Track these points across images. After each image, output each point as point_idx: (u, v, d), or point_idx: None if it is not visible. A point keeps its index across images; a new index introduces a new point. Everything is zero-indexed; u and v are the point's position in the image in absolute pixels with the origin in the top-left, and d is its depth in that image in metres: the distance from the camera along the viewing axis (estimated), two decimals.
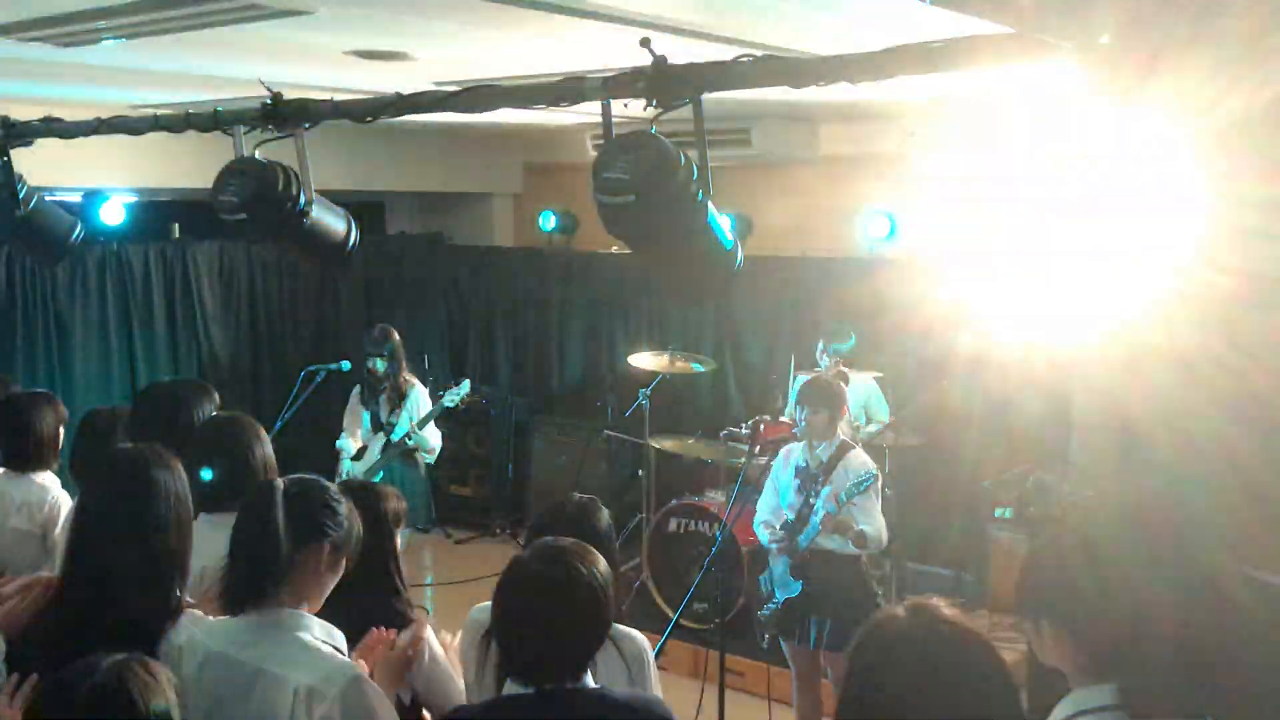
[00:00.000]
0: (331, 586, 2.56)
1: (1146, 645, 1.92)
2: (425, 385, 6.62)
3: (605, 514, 2.93)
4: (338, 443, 6.43)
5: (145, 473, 2.67)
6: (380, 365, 6.25)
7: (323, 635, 2.47)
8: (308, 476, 2.61)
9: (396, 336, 6.35)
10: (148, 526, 2.61)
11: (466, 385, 6.66)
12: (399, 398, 6.30)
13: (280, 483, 2.56)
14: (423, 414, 6.33)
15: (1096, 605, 1.97)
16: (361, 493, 2.81)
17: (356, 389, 6.49)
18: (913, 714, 1.74)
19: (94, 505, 2.71)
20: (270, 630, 2.43)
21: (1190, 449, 2.40)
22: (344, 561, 2.56)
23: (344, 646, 2.52)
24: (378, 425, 6.34)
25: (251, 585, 2.45)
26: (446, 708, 2.77)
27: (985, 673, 1.78)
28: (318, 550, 2.48)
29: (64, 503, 3.89)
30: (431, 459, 6.46)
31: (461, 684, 2.87)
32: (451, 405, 6.53)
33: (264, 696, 2.37)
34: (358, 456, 6.37)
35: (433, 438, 6.36)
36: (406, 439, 6.20)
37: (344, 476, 6.24)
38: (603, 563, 2.29)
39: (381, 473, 6.24)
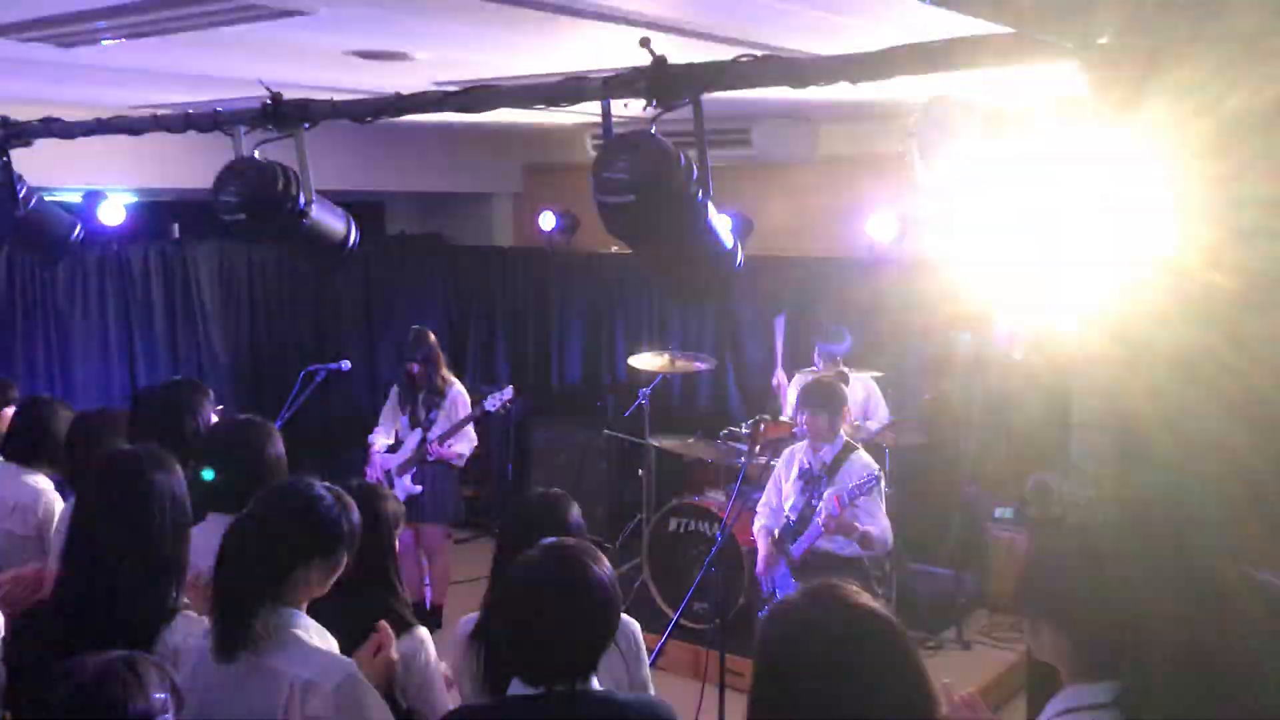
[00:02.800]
0: (329, 585, 2.55)
1: (1145, 645, 1.91)
2: None
3: (575, 508, 2.93)
4: (370, 435, 6.47)
5: (142, 475, 2.66)
6: (417, 368, 6.26)
7: (317, 636, 2.47)
8: (303, 483, 2.59)
9: (432, 338, 6.35)
10: (144, 529, 2.60)
11: (510, 391, 6.57)
12: (437, 397, 6.31)
13: (271, 501, 2.55)
14: (460, 412, 6.31)
15: (1095, 605, 1.97)
16: (360, 494, 2.81)
17: (395, 388, 6.50)
18: (822, 699, 1.73)
19: (91, 507, 2.70)
20: (266, 629, 2.42)
21: (1190, 449, 2.39)
22: (343, 562, 2.55)
23: (336, 649, 2.51)
24: (416, 421, 6.36)
25: (243, 601, 2.43)
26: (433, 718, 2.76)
27: (888, 650, 1.78)
28: (306, 567, 2.48)
29: (57, 504, 3.88)
30: (460, 463, 6.44)
31: (448, 699, 2.86)
32: (493, 410, 6.47)
33: (260, 691, 2.37)
34: (392, 450, 6.39)
35: (461, 443, 6.32)
36: (427, 452, 6.20)
37: (377, 468, 6.32)
38: (608, 563, 2.29)
39: (415, 469, 6.26)
